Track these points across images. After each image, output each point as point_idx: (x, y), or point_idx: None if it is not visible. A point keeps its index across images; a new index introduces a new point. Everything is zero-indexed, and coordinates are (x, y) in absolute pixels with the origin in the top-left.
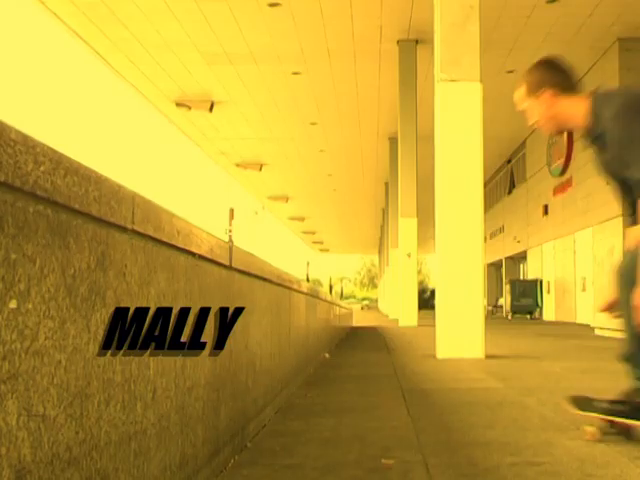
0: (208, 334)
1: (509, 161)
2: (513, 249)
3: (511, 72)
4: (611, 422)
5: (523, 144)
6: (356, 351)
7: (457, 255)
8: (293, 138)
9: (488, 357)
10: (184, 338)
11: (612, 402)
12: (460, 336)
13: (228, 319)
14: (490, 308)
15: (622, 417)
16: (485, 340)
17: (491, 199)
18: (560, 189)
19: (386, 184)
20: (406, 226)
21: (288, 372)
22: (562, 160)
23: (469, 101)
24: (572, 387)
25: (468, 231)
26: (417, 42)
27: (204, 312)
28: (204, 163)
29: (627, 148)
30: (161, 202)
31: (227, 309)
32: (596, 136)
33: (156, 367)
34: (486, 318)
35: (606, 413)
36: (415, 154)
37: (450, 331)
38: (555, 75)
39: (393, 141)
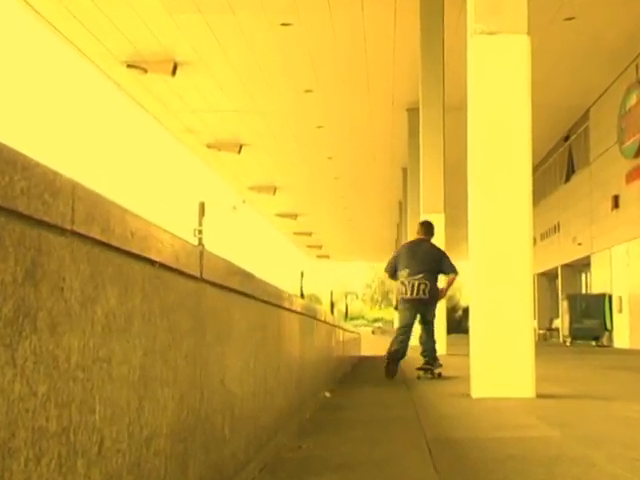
0: (172, 366)
1: (567, 138)
2: (572, 254)
3: (570, 20)
4: None
5: (586, 115)
6: (365, 387)
7: (497, 263)
8: (282, 110)
9: (540, 396)
10: (141, 372)
11: None
12: (502, 369)
13: (198, 347)
14: (542, 332)
15: None
16: (536, 374)
17: (542, 188)
18: (636, 175)
19: (404, 170)
20: None
21: (277, 416)
22: (639, 136)
23: (513, 59)
24: None
25: (512, 231)
26: None
27: (166, 337)
28: (166, 143)
29: None
30: (110, 195)
31: (197, 334)
32: None
33: (103, 411)
34: (537, 345)
35: None
36: (442, 130)
37: (489, 362)
38: None
39: (413, 113)
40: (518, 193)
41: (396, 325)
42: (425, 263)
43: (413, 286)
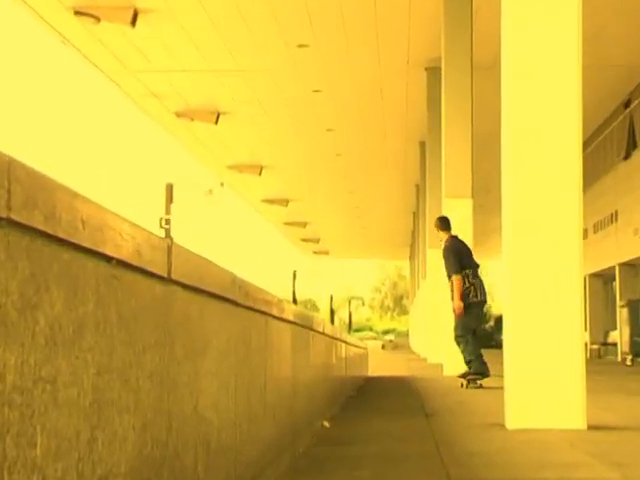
0: (133, 388)
1: (627, 104)
2: (634, 250)
3: None
4: None
5: None
6: (374, 416)
7: (538, 261)
8: (270, 70)
9: (592, 428)
10: (95, 395)
11: None
12: (545, 393)
13: (165, 364)
14: (595, 347)
15: None
16: (587, 400)
17: (595, 168)
18: None
19: (422, 145)
20: (455, 212)
21: (263, 451)
22: None
23: (559, 7)
24: None
25: (556, 221)
26: None
27: (126, 352)
28: (124, 111)
29: None
30: (55, 176)
31: (164, 348)
32: None
33: (47, 444)
34: (588, 363)
35: None
36: (469, 94)
37: (528, 385)
38: None
39: (433, 73)
40: (564, 174)
41: (455, 331)
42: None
43: (482, 287)
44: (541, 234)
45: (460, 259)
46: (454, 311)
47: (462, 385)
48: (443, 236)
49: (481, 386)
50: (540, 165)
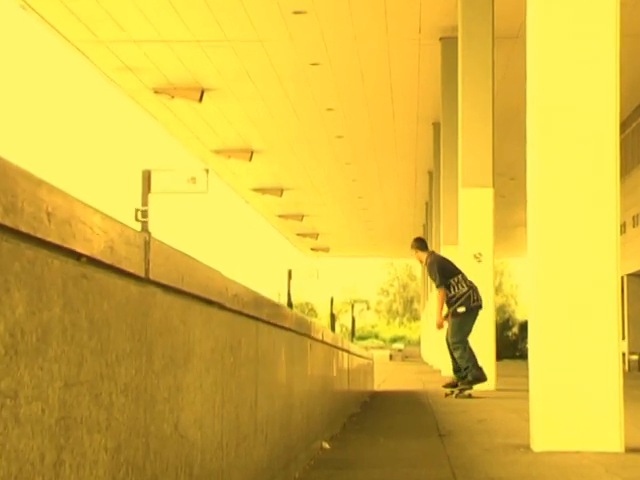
0: (105, 404)
1: None
2: None
3: None
4: None
5: None
6: (380, 436)
7: (568, 259)
8: (262, 40)
9: (630, 451)
10: (61, 411)
11: None
12: (576, 411)
13: (142, 376)
14: (635, 358)
15: None
16: (625, 419)
17: (635, 153)
18: None
19: (435, 126)
20: (473, 204)
21: (253, 475)
22: None
23: None
24: None
25: (589, 213)
26: None
27: (97, 363)
28: (95, 87)
29: None
30: (15, 160)
31: (141, 358)
32: None
33: (7, 467)
34: (626, 376)
35: None
36: (490, 68)
37: (557, 401)
38: None
39: (448, 44)
40: (599, 159)
41: (452, 338)
42: None
43: (478, 290)
44: (572, 228)
45: (446, 270)
46: (438, 326)
47: (452, 394)
48: (422, 256)
49: (470, 396)
50: (571, 149)
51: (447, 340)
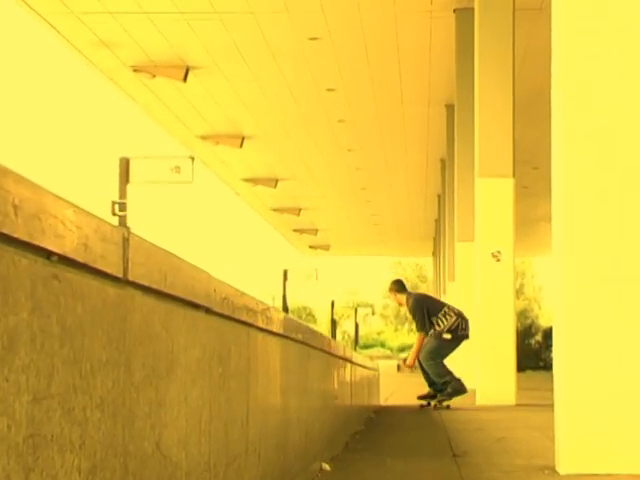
0: (79, 420)
1: None
2: None
3: None
4: None
5: None
6: (387, 457)
7: (598, 257)
8: (254, 12)
9: None
10: (30, 428)
11: None
12: (608, 429)
13: (120, 389)
14: None
15: None
16: None
17: None
18: None
19: (448, 108)
20: (491, 196)
21: None
22: None
23: None
24: None
25: (622, 207)
26: None
27: (70, 373)
28: (68, 64)
29: None
30: None
31: (119, 368)
32: None
33: None
34: None
35: None
36: (510, 43)
37: (586, 418)
38: None
39: (464, 16)
40: (634, 146)
41: (427, 359)
42: None
43: (466, 320)
44: (602, 223)
45: (431, 308)
46: (408, 366)
47: (428, 405)
48: (401, 298)
49: (448, 407)
50: (602, 134)
51: (419, 359)
